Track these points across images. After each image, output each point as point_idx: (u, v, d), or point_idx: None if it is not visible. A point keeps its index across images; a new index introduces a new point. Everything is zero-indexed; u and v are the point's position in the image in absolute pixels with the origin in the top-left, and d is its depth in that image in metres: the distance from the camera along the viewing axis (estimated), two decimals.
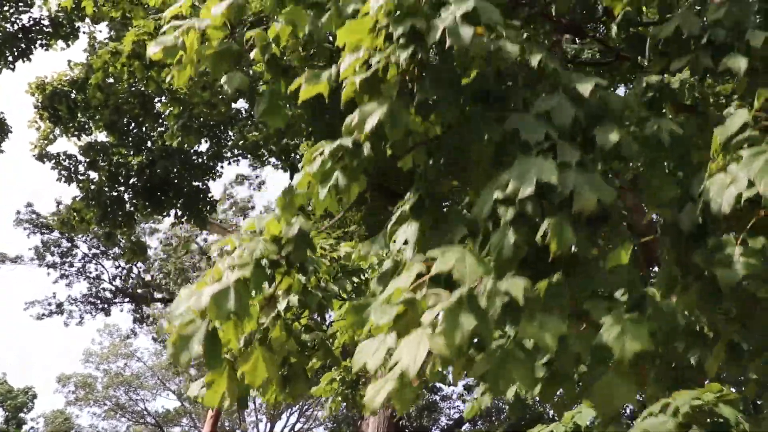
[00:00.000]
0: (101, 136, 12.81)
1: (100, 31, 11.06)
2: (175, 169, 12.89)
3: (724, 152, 2.64)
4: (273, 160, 13.71)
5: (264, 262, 2.92)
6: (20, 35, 12.46)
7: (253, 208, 34.03)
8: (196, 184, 13.45)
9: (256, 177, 29.04)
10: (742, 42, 3.14)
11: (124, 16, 10.43)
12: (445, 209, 2.72)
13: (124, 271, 21.68)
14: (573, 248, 2.26)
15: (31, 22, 12.61)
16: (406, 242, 2.62)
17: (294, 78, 3.09)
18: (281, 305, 3.40)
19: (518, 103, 2.75)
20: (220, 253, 3.10)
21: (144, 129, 12.71)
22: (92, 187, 12.88)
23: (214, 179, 13.85)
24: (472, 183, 2.63)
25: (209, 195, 13.76)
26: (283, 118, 3.35)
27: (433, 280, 2.24)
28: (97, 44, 12.57)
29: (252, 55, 3.57)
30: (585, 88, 2.72)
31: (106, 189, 12.86)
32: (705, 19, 3.31)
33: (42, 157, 12.94)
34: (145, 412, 31.83)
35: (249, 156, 13.93)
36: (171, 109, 11.60)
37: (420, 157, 2.77)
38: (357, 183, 2.93)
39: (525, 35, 2.74)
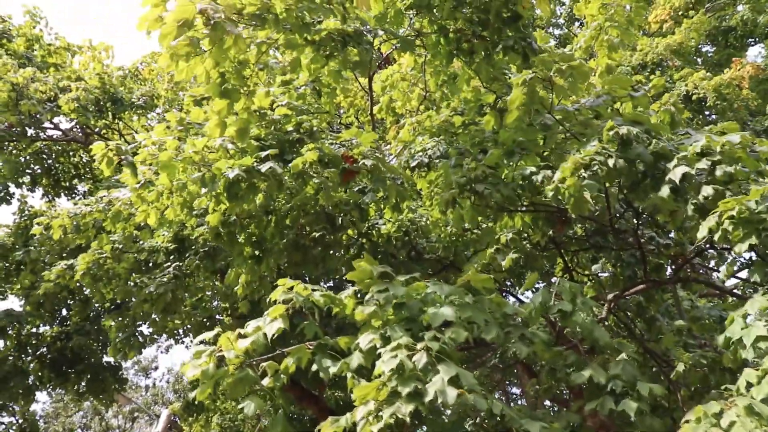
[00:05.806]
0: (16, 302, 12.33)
1: (32, 197, 11.15)
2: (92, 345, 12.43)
3: None
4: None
5: None
6: None
7: (156, 368, 32.69)
8: (107, 360, 12.83)
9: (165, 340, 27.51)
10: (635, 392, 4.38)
11: (88, 242, 10.05)
12: None
13: (2, 427, 18.50)
14: None
15: None
16: None
17: None
18: None
19: None
20: None
21: (65, 303, 12.35)
22: None
23: (128, 358, 12.90)
24: None
25: (120, 372, 13.22)
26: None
27: None
28: (28, 209, 12.38)
29: (265, 382, 4.48)
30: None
31: (11, 359, 12.26)
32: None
33: None
34: None
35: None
36: (113, 323, 11.27)
37: None
38: None
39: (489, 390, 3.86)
